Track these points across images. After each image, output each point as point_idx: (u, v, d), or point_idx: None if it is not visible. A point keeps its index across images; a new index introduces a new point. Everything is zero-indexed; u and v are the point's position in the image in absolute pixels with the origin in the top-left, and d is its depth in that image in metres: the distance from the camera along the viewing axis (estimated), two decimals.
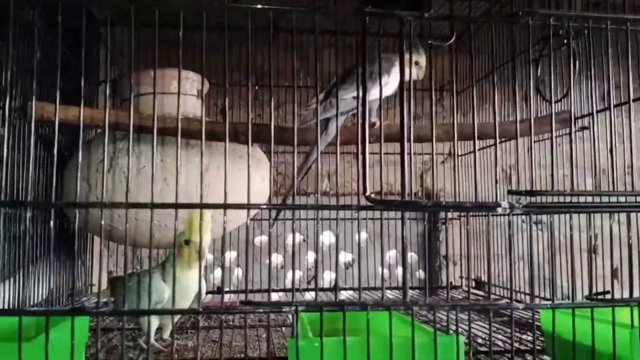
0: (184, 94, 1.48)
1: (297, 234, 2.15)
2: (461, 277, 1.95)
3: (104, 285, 1.41)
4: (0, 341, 0.74)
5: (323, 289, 1.95)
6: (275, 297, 1.90)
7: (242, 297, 1.79)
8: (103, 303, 0.67)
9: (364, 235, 2.14)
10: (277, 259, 2.11)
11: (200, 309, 0.69)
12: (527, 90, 0.91)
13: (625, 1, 0.93)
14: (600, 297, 0.78)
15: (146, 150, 1.31)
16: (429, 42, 0.72)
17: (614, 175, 0.79)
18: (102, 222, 0.74)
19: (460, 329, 0.83)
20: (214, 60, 1.46)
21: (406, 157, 0.72)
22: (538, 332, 1.27)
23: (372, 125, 1.17)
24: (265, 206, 0.78)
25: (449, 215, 2.11)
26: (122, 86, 1.51)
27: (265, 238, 2.04)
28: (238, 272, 2.04)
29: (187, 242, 0.96)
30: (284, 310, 0.69)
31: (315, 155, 1.21)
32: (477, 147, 1.76)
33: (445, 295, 1.30)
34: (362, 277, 2.01)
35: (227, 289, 1.88)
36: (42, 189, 1.31)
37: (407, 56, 1.24)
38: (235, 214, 1.42)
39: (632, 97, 1.15)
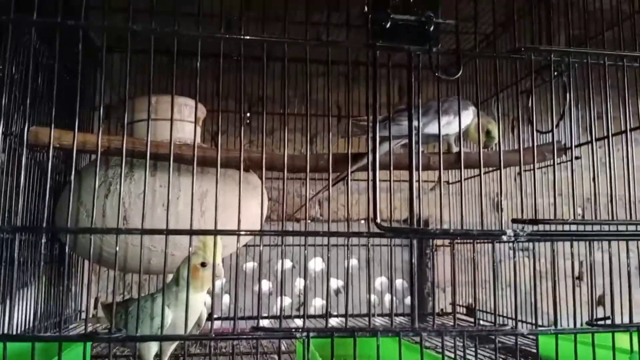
0: (180, 120, 1.49)
1: (287, 260, 2.15)
2: (451, 303, 1.97)
3: (103, 311, 1.40)
4: None
5: (314, 316, 1.95)
6: (265, 324, 1.90)
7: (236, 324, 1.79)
8: (116, 329, 0.67)
9: (354, 261, 2.15)
10: (266, 285, 2.11)
11: (213, 334, 0.70)
12: (520, 120, 0.95)
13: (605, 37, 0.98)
14: (600, 322, 0.80)
15: (143, 176, 1.32)
16: (437, 74, 0.75)
17: (610, 203, 0.82)
18: (117, 249, 0.74)
19: (461, 356, 0.84)
20: (208, 87, 1.50)
21: (414, 184, 0.73)
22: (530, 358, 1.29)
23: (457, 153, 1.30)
24: (273, 233, 0.78)
25: (439, 242, 2.14)
26: (119, 112, 1.52)
27: (254, 264, 2.04)
28: (226, 299, 2.03)
29: (204, 265, 0.97)
30: (296, 336, 0.70)
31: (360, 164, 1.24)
32: (465, 176, 1.81)
33: (434, 322, 1.32)
34: (353, 304, 2.02)
35: (217, 316, 1.87)
36: (34, 215, 1.30)
37: (480, 120, 1.32)
38: (231, 240, 1.42)
39: (612, 131, 1.20)
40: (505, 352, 1.36)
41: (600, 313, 0.90)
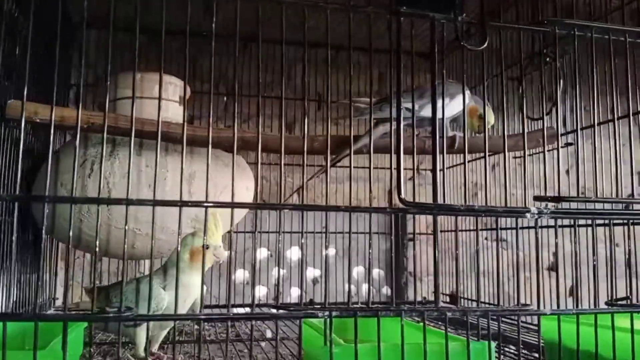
0: (165, 99, 1.43)
1: (264, 249, 2.10)
2: (434, 292, 1.96)
3: (76, 295, 1.33)
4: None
5: (292, 304, 1.90)
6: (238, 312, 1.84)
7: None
8: (126, 308, 0.62)
9: (332, 251, 2.11)
10: (242, 274, 2.06)
11: (231, 315, 0.65)
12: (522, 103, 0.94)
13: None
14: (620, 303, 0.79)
15: (127, 156, 1.26)
16: (462, 44, 0.72)
17: (632, 183, 0.81)
18: (99, 222, 0.69)
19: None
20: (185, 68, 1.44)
21: (438, 169, 0.71)
22: (521, 346, 1.29)
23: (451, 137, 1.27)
24: (292, 207, 0.74)
25: (419, 230, 2.13)
26: (100, 90, 1.44)
27: (228, 252, 1.99)
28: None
29: (207, 247, 0.93)
30: (318, 315, 0.67)
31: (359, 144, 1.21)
32: (451, 164, 1.81)
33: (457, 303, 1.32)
34: (330, 293, 1.98)
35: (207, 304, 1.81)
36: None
37: (473, 105, 1.30)
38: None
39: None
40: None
41: (570, 303, 0.89)
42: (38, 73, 1.29)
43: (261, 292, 2.06)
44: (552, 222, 0.88)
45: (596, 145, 0.85)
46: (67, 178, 1.26)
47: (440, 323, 1.55)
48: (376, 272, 2.20)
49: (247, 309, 1.83)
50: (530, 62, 1.40)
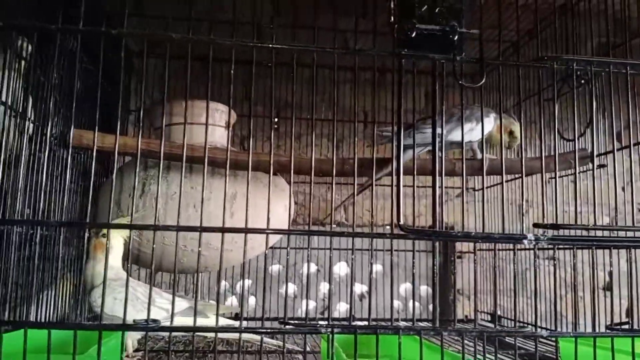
0: (212, 124, 1.53)
1: (312, 264, 2.17)
2: (476, 310, 1.97)
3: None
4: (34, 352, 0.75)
5: (339, 319, 1.97)
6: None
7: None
8: (152, 320, 0.70)
9: (378, 267, 2.16)
10: (291, 288, 2.14)
11: (242, 328, 0.73)
12: (544, 127, 0.97)
13: None
14: (621, 327, 0.81)
15: (177, 178, 1.36)
16: (460, 83, 0.77)
17: (632, 211, 0.83)
18: (154, 245, 0.78)
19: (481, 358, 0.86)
20: (237, 92, 1.54)
21: (437, 190, 0.76)
22: None
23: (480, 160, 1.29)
24: (300, 232, 0.81)
25: (463, 249, 2.15)
26: (153, 115, 1.56)
27: (279, 267, 2.08)
28: (251, 301, 2.06)
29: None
30: (321, 331, 0.73)
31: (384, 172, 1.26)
32: (491, 183, 1.83)
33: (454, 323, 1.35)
34: (377, 309, 2.03)
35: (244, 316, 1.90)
36: (73, 214, 1.34)
37: (503, 122, 1.35)
38: (257, 241, 1.44)
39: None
40: (528, 358, 1.36)
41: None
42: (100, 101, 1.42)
43: (309, 306, 2.13)
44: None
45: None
46: (122, 197, 1.38)
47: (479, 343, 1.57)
48: (423, 289, 2.23)
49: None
50: (563, 84, 1.42)
